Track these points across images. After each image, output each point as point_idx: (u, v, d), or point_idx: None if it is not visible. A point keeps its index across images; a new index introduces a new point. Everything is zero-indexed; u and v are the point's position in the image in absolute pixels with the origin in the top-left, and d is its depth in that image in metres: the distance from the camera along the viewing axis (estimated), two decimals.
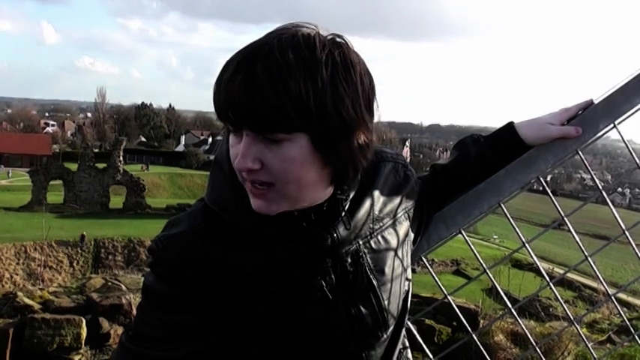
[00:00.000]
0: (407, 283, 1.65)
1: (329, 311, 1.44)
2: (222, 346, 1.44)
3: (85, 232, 39.92)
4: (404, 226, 1.63)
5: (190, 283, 1.38)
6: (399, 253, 1.60)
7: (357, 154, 1.33)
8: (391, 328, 1.57)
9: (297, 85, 1.20)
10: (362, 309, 1.48)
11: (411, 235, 1.70)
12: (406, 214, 1.65)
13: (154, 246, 1.44)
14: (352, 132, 1.29)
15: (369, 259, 1.50)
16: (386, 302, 1.52)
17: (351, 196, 1.44)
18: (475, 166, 1.88)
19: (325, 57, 1.24)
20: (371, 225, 1.52)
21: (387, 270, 1.54)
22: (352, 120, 1.27)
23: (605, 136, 1.90)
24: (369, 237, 1.51)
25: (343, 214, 1.43)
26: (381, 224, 1.55)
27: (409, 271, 1.67)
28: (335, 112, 1.24)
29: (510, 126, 1.89)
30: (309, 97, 1.20)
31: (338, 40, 1.31)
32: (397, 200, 1.61)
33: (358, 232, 1.48)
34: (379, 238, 1.54)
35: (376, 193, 1.54)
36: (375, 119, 1.38)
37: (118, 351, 1.57)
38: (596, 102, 1.88)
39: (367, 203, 1.50)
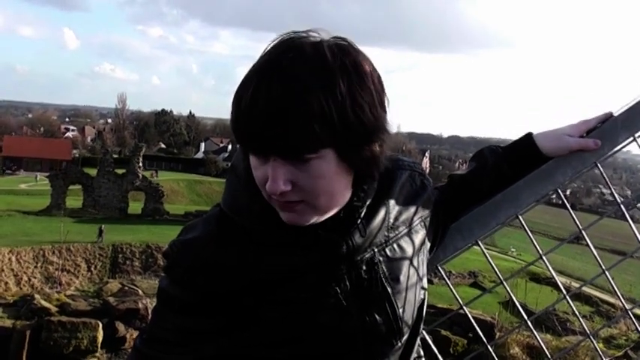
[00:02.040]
0: (422, 292, 1.65)
1: (343, 318, 1.43)
2: (234, 352, 1.44)
3: (103, 226, 40.12)
4: (420, 234, 1.63)
5: (204, 288, 1.39)
6: (415, 261, 1.59)
7: (378, 156, 1.33)
8: (405, 337, 1.56)
9: (318, 104, 1.18)
10: (376, 317, 1.48)
11: (427, 245, 1.70)
12: (422, 223, 1.64)
13: (168, 250, 1.44)
14: (374, 135, 1.29)
15: (384, 267, 1.50)
16: (400, 310, 1.52)
17: (367, 202, 1.44)
18: (492, 177, 1.88)
19: (338, 67, 1.23)
20: (386, 233, 1.51)
21: (402, 278, 1.53)
22: (372, 124, 1.27)
23: (625, 150, 1.89)
24: (384, 245, 1.51)
25: (359, 221, 1.43)
26: (397, 232, 1.54)
27: (425, 280, 1.67)
28: (357, 121, 1.23)
29: (529, 137, 1.88)
30: (331, 112, 1.19)
31: (343, 43, 1.29)
32: (413, 209, 1.60)
33: (373, 240, 1.48)
34: (395, 246, 1.53)
35: (392, 201, 1.53)
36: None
37: (132, 354, 1.58)
38: (615, 114, 1.87)
39: (383, 211, 1.50)
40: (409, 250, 1.57)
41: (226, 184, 1.50)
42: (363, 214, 1.43)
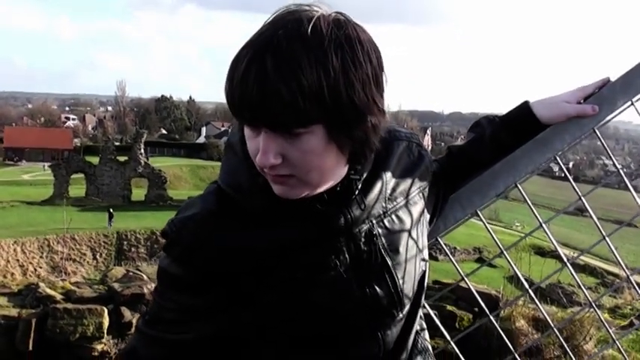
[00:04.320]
0: (423, 263, 1.64)
1: (344, 290, 1.43)
2: (235, 328, 1.44)
3: (111, 209, 40.31)
4: (418, 205, 1.62)
5: (204, 265, 1.38)
6: (414, 233, 1.59)
7: (371, 135, 1.32)
8: (407, 308, 1.56)
9: (309, 78, 1.18)
10: (377, 288, 1.48)
11: (427, 216, 1.70)
12: (421, 194, 1.64)
13: (167, 229, 1.43)
14: (366, 114, 1.28)
15: (383, 239, 1.49)
16: (401, 282, 1.51)
17: (364, 176, 1.43)
18: (491, 147, 1.87)
19: (333, 43, 1.22)
20: (384, 204, 1.51)
21: (402, 250, 1.53)
22: (364, 104, 1.26)
23: (627, 120, 1.90)
24: (382, 216, 1.50)
25: (356, 193, 1.42)
26: (395, 204, 1.54)
27: (425, 252, 1.67)
28: (348, 99, 1.22)
29: (525, 105, 1.87)
30: (322, 88, 1.19)
31: (342, 18, 1.28)
32: (411, 179, 1.59)
33: (371, 212, 1.47)
34: (393, 217, 1.53)
35: (389, 172, 1.53)
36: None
37: (136, 335, 1.58)
38: (613, 80, 1.85)
39: (380, 183, 1.49)
40: (408, 222, 1.57)
41: (223, 162, 1.50)
42: (360, 186, 1.43)
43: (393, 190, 1.54)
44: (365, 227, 1.47)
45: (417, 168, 1.63)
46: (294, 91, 1.17)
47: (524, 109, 1.87)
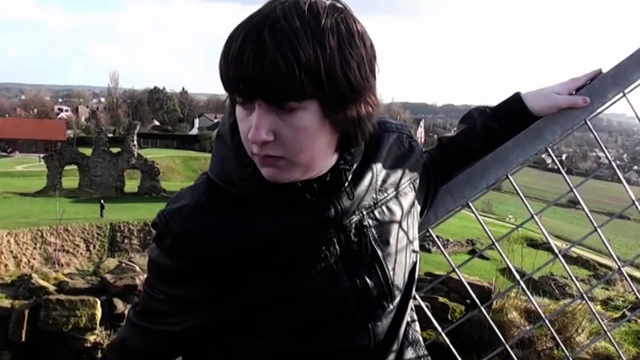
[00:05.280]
0: (414, 255, 1.64)
1: (334, 281, 1.43)
2: (226, 318, 1.44)
3: (103, 200, 40.37)
4: (409, 197, 1.62)
5: (194, 256, 1.38)
6: (404, 224, 1.59)
7: (364, 118, 1.32)
8: (397, 299, 1.56)
9: (306, 52, 1.19)
10: (367, 279, 1.48)
11: (417, 207, 1.70)
12: (411, 185, 1.64)
13: (157, 220, 1.43)
14: (360, 95, 1.29)
15: (373, 230, 1.50)
16: (391, 273, 1.52)
17: (354, 166, 1.44)
18: (482, 138, 1.87)
19: (330, 23, 1.23)
20: (374, 195, 1.51)
21: (392, 241, 1.53)
22: (359, 84, 1.27)
23: (620, 112, 1.91)
24: (373, 207, 1.51)
25: (346, 184, 1.42)
26: (385, 195, 1.54)
27: (416, 243, 1.67)
28: (344, 77, 1.24)
29: (517, 96, 1.88)
30: (318, 63, 1.20)
31: (338, 5, 1.30)
32: (401, 171, 1.60)
33: (361, 203, 1.47)
34: (383, 208, 1.53)
35: (380, 163, 1.53)
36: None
37: (126, 326, 1.60)
38: (605, 71, 1.86)
39: (370, 173, 1.49)
40: (398, 213, 1.57)
41: (213, 152, 1.50)
42: (350, 177, 1.43)
43: (384, 181, 1.54)
44: (355, 218, 1.47)
45: (408, 159, 1.63)
46: (291, 63, 1.18)
47: (516, 100, 1.88)
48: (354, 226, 1.46)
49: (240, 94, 1.27)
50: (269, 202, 1.39)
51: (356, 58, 1.26)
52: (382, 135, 1.57)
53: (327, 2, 1.28)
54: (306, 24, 1.21)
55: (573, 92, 1.85)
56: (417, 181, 1.67)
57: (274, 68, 1.19)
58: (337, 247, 1.44)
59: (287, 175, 1.33)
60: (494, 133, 1.86)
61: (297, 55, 1.19)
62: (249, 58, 1.20)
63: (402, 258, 1.56)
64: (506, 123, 1.86)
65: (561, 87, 1.86)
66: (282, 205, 1.39)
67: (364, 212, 1.49)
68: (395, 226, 1.55)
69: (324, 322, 1.46)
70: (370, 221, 1.50)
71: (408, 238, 1.60)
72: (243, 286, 1.40)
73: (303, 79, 1.20)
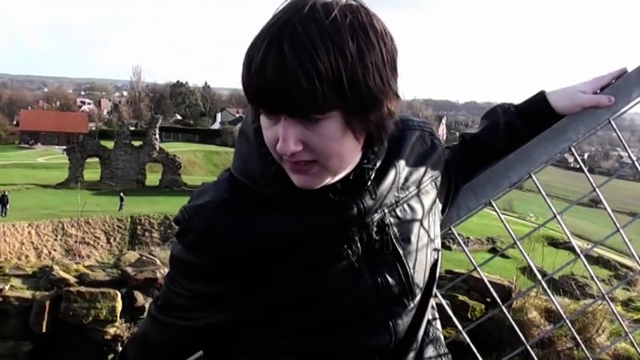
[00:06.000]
0: (435, 253, 1.64)
1: (355, 280, 1.43)
2: (247, 315, 1.44)
3: (122, 193, 40.64)
4: (431, 195, 1.62)
5: (216, 253, 1.38)
6: (426, 222, 1.59)
7: (387, 119, 1.32)
8: (418, 298, 1.56)
9: (327, 62, 1.18)
10: (388, 277, 1.47)
11: (439, 205, 1.69)
12: (433, 183, 1.63)
13: (179, 216, 1.44)
14: (383, 99, 1.27)
15: (395, 228, 1.49)
16: (412, 271, 1.51)
17: (377, 164, 1.43)
18: (506, 136, 1.86)
19: (348, 27, 1.22)
20: (396, 193, 1.50)
21: (413, 239, 1.53)
22: (380, 88, 1.25)
23: None
24: (394, 205, 1.50)
25: (369, 182, 1.42)
26: (407, 193, 1.54)
27: (437, 241, 1.66)
28: (365, 84, 1.22)
29: (541, 94, 1.86)
30: (340, 72, 1.19)
31: (354, 4, 1.28)
32: (423, 169, 1.59)
33: (384, 201, 1.47)
34: (405, 206, 1.53)
35: (402, 161, 1.52)
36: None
37: (147, 320, 1.60)
38: (630, 70, 1.84)
39: (393, 172, 1.49)
40: (420, 211, 1.56)
41: (236, 149, 1.49)
42: (372, 175, 1.42)
43: (406, 179, 1.53)
44: (377, 216, 1.46)
45: (430, 157, 1.62)
46: (312, 77, 1.17)
47: (540, 98, 1.86)
48: (375, 224, 1.46)
49: (264, 107, 1.27)
50: (292, 201, 1.39)
51: (376, 63, 1.25)
52: (405, 133, 1.57)
53: (343, 2, 1.26)
54: (325, 33, 1.20)
55: (598, 91, 1.83)
56: (439, 179, 1.66)
57: (296, 83, 1.18)
58: (359, 245, 1.44)
59: (318, 181, 1.32)
60: (517, 131, 1.85)
61: (317, 68, 1.17)
62: (271, 73, 1.19)
63: (422, 256, 1.56)
64: (530, 121, 1.85)
65: (586, 86, 1.84)
66: (305, 205, 1.39)
67: (386, 210, 1.48)
68: (416, 224, 1.55)
69: (346, 321, 1.46)
70: (392, 219, 1.49)
71: (429, 236, 1.59)
72: (265, 285, 1.40)
73: (326, 92, 1.19)
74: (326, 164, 1.29)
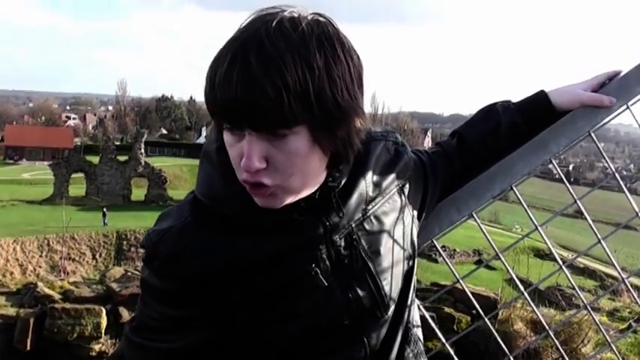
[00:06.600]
0: (409, 261, 1.63)
1: (326, 297, 1.43)
2: (218, 337, 1.43)
3: (105, 209, 40.43)
4: (397, 204, 1.61)
5: (180, 277, 1.37)
6: (395, 232, 1.58)
7: (354, 136, 1.32)
8: (392, 308, 1.56)
9: (294, 76, 1.17)
10: (359, 291, 1.47)
11: (412, 212, 1.68)
12: (399, 191, 1.62)
13: (144, 241, 1.44)
14: (350, 114, 1.28)
15: (363, 241, 1.49)
16: (383, 282, 1.51)
17: (343, 182, 1.43)
18: (507, 135, 1.87)
19: (316, 40, 1.22)
20: (363, 207, 1.50)
21: (383, 250, 1.53)
22: (347, 103, 1.26)
23: (627, 123, 1.90)
24: (362, 219, 1.50)
25: (334, 200, 1.42)
26: (374, 204, 1.53)
27: (410, 249, 1.65)
28: (333, 99, 1.22)
29: (541, 93, 1.88)
30: (307, 85, 1.18)
31: (321, 19, 1.28)
32: (390, 179, 1.58)
33: (351, 216, 1.47)
34: (372, 219, 1.52)
35: (369, 174, 1.51)
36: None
37: (123, 342, 1.59)
38: (608, 84, 1.86)
39: (359, 187, 1.48)
40: (388, 222, 1.56)
41: (199, 171, 1.50)
42: (338, 194, 1.42)
43: (372, 191, 1.53)
44: (345, 232, 1.46)
45: (395, 166, 1.61)
46: (279, 89, 1.16)
47: (540, 96, 1.89)
48: (343, 240, 1.46)
49: (228, 122, 1.26)
50: (257, 222, 1.38)
51: (343, 76, 1.24)
52: (369, 145, 1.55)
53: (310, 17, 1.26)
54: (292, 46, 1.19)
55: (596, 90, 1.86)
56: (407, 186, 1.65)
57: (263, 96, 1.17)
58: (327, 263, 1.43)
59: (279, 201, 1.32)
60: (518, 129, 1.86)
61: (285, 81, 1.17)
62: (236, 86, 1.18)
63: (394, 266, 1.56)
64: (530, 119, 1.86)
65: (584, 85, 1.87)
66: (270, 225, 1.38)
67: (353, 225, 1.48)
68: (385, 235, 1.55)
69: (318, 338, 1.45)
70: (360, 233, 1.49)
71: (399, 245, 1.59)
72: (233, 307, 1.39)
73: (293, 105, 1.18)
74: (287, 185, 1.29)
